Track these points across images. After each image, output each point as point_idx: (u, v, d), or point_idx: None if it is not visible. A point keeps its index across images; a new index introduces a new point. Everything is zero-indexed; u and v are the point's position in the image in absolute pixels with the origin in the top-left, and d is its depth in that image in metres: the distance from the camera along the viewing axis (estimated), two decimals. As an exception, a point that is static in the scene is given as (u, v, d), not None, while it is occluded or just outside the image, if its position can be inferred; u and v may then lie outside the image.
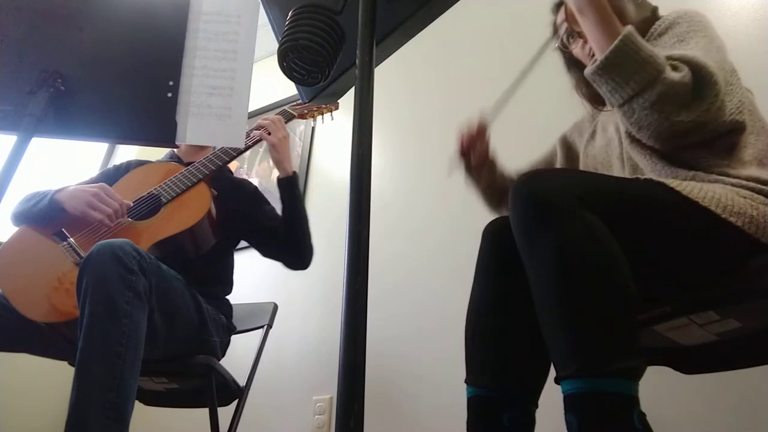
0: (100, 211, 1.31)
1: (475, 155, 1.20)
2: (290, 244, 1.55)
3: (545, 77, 1.36)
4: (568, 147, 1.32)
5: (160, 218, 1.39)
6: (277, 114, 1.68)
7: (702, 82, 0.87)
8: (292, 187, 1.55)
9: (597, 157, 1.16)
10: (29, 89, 0.87)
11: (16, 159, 0.80)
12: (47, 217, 1.35)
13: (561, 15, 1.18)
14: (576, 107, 1.32)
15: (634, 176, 0.93)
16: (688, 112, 0.86)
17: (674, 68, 0.87)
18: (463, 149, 1.20)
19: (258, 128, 1.59)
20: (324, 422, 1.86)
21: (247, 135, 1.57)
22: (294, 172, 1.57)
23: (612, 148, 1.11)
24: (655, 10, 1.12)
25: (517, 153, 1.39)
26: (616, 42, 0.86)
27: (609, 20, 0.91)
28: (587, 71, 0.92)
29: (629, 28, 0.87)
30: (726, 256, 0.82)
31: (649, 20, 1.10)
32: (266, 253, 1.62)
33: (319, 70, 0.72)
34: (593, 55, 1.14)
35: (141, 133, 0.92)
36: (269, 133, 1.55)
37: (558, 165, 1.33)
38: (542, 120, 1.81)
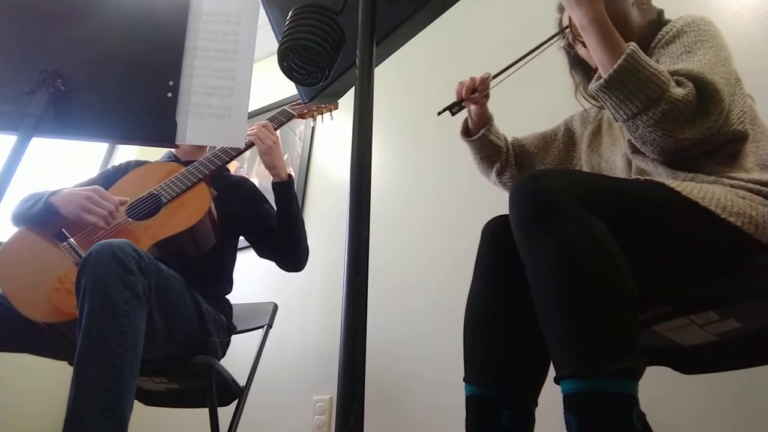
0: (95, 213, 1.31)
1: (472, 112, 1.32)
2: (286, 247, 1.57)
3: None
4: (569, 132, 1.33)
5: (160, 218, 1.39)
6: (276, 114, 1.68)
7: (707, 99, 0.87)
8: (287, 191, 1.55)
9: (603, 155, 1.17)
10: (29, 89, 0.87)
11: (16, 159, 0.80)
12: (43, 219, 1.35)
13: (567, 16, 1.18)
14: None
15: (635, 177, 0.93)
16: (692, 129, 0.87)
17: (679, 84, 0.87)
18: (460, 95, 1.27)
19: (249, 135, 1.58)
20: (324, 422, 1.86)
21: (219, 155, 1.56)
22: (289, 176, 1.57)
23: (617, 147, 1.11)
24: (660, 13, 1.12)
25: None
26: (620, 61, 0.87)
27: (611, 37, 0.91)
28: (591, 87, 0.93)
29: (633, 45, 0.88)
30: (726, 256, 0.82)
31: (654, 23, 1.10)
32: (261, 252, 1.63)
33: (319, 70, 0.72)
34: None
35: (141, 133, 0.92)
36: (260, 140, 1.55)
37: (556, 146, 1.34)
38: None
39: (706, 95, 0.87)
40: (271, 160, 1.54)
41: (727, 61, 0.96)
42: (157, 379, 1.40)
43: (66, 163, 2.77)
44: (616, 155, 1.11)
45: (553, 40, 1.18)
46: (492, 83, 1.25)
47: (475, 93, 1.26)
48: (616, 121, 0.94)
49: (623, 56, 0.87)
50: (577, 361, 0.66)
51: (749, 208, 0.81)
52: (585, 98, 1.27)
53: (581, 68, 1.26)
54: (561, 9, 1.23)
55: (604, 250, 0.72)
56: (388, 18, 0.74)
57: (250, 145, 1.58)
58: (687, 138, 0.87)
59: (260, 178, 2.64)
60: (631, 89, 0.86)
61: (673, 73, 0.88)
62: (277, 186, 1.55)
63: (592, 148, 1.21)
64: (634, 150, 1.01)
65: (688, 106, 0.85)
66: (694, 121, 0.87)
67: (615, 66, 0.87)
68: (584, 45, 1.14)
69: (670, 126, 0.86)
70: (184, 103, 0.91)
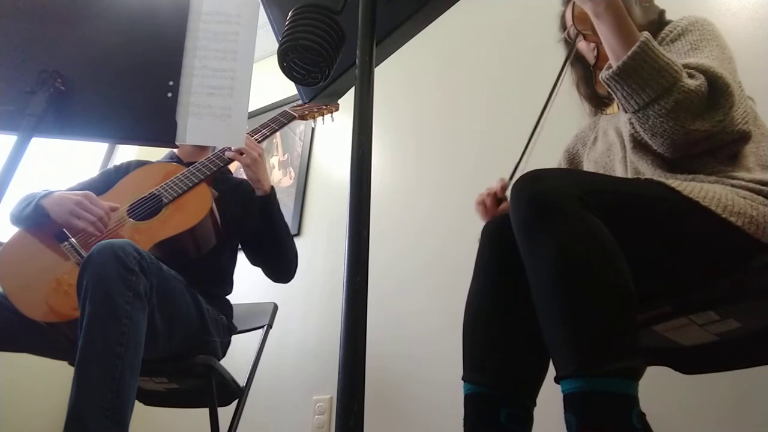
0: (84, 219, 1.30)
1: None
2: (272, 258, 1.56)
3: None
4: (571, 160, 1.32)
5: (161, 218, 1.39)
6: (277, 115, 1.68)
7: (717, 93, 0.87)
8: (269, 205, 1.53)
9: (599, 161, 1.16)
10: (29, 89, 0.86)
11: (16, 159, 0.80)
12: (34, 223, 1.35)
13: (569, 11, 1.18)
14: (577, 116, 1.32)
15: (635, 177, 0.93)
16: (702, 122, 0.87)
17: (690, 76, 0.87)
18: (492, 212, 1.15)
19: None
20: (324, 422, 1.86)
21: (221, 156, 1.55)
22: (272, 188, 1.55)
23: (614, 152, 1.11)
24: (662, 13, 1.12)
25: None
26: (634, 48, 0.86)
27: (626, 25, 0.91)
28: (603, 75, 0.92)
29: (646, 34, 0.87)
30: (726, 256, 0.82)
31: (655, 23, 1.10)
32: (252, 259, 1.62)
33: (319, 70, 0.72)
34: (597, 52, 1.14)
35: (141, 133, 0.92)
36: (242, 154, 1.51)
37: None
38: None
39: (716, 89, 0.87)
40: (254, 174, 1.51)
41: (732, 60, 0.97)
42: (157, 379, 1.40)
43: (66, 163, 2.77)
44: (614, 161, 1.11)
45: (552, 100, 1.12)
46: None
47: (502, 202, 1.16)
48: (626, 112, 0.93)
49: (638, 43, 0.86)
50: (577, 360, 0.66)
51: (750, 208, 0.81)
52: (581, 97, 1.27)
53: (580, 64, 1.25)
54: (566, 1, 1.22)
55: (604, 250, 0.72)
56: (388, 18, 0.74)
57: (222, 166, 1.53)
58: (698, 130, 0.87)
59: (260, 178, 2.64)
60: (644, 77, 0.86)
61: (683, 66, 0.88)
62: (259, 200, 1.53)
63: (589, 158, 1.22)
64: (636, 145, 1.01)
65: (700, 97, 0.85)
66: (704, 114, 0.87)
67: (629, 53, 0.86)
68: (585, 38, 1.14)
69: (682, 116, 0.86)
70: (184, 103, 0.91)
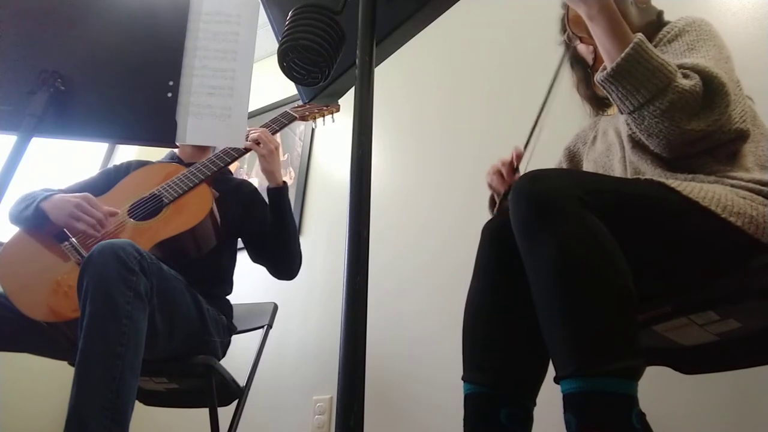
0: (83, 221, 1.31)
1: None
2: (277, 254, 1.57)
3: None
4: (572, 158, 1.32)
5: (161, 219, 1.39)
6: (278, 116, 1.68)
7: (713, 92, 0.87)
8: (281, 197, 1.57)
9: (598, 161, 1.16)
10: (29, 89, 0.87)
11: (16, 159, 0.80)
12: (33, 225, 1.35)
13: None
14: (578, 116, 1.32)
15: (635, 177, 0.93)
16: (698, 121, 0.87)
17: (685, 76, 0.87)
18: (509, 183, 1.10)
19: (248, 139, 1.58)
20: (324, 422, 1.86)
21: (221, 157, 1.56)
22: (284, 182, 1.59)
23: (613, 152, 1.11)
24: (660, 14, 1.12)
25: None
26: (627, 50, 0.86)
27: (620, 28, 0.91)
28: (598, 77, 0.92)
29: (640, 35, 0.87)
30: (726, 256, 0.82)
31: (653, 24, 1.10)
32: (254, 257, 1.63)
33: (319, 70, 0.72)
34: (595, 54, 1.15)
35: (141, 133, 0.92)
36: (259, 144, 1.55)
37: None
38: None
39: (712, 88, 0.87)
40: (269, 165, 1.56)
41: (729, 60, 0.96)
42: (157, 379, 1.40)
43: (66, 163, 2.77)
44: (614, 160, 1.11)
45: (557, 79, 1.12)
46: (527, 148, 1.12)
47: (517, 170, 1.11)
48: (622, 113, 0.93)
49: (631, 45, 0.86)
50: (576, 361, 0.66)
51: (750, 208, 0.81)
52: (582, 99, 1.27)
53: (579, 66, 1.25)
54: (566, 5, 1.22)
55: (604, 250, 0.72)
56: (388, 18, 0.74)
57: (240, 155, 1.58)
58: (693, 129, 0.87)
59: (260, 179, 2.64)
60: (638, 78, 0.86)
61: (678, 67, 0.88)
62: (272, 191, 1.57)
63: (588, 158, 1.22)
64: (635, 145, 1.01)
65: (695, 97, 0.85)
66: (700, 114, 0.87)
67: (623, 54, 0.87)
68: (582, 41, 1.14)
69: (677, 116, 0.86)
70: (184, 103, 0.91)
